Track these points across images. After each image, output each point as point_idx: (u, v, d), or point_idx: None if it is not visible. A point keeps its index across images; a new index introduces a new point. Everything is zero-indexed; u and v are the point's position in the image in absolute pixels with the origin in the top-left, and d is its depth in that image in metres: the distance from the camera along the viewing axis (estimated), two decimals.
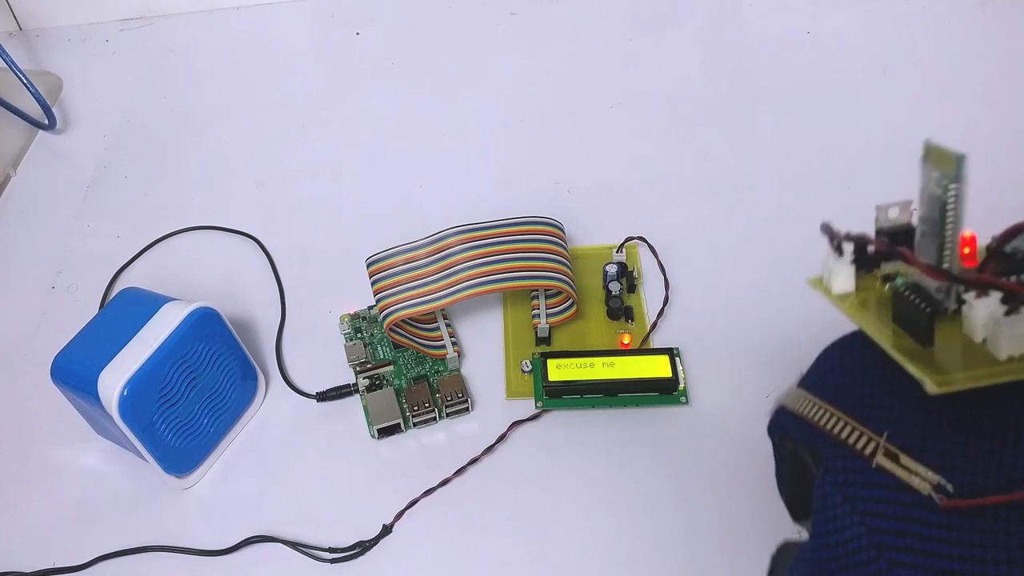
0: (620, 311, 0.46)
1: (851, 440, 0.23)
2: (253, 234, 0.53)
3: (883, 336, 0.24)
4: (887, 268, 0.25)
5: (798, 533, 0.30)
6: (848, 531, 0.23)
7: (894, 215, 0.25)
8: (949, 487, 0.21)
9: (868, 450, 0.23)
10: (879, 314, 0.25)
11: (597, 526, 0.39)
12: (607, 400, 0.43)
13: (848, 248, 0.25)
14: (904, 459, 0.22)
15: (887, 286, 0.25)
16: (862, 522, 0.22)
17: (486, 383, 0.45)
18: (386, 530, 0.40)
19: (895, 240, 0.25)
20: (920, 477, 0.22)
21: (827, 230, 0.25)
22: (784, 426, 0.27)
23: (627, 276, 0.47)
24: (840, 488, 0.23)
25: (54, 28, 0.70)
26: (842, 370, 0.26)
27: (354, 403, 0.44)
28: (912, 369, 0.22)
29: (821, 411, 0.25)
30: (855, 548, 0.22)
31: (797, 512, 0.29)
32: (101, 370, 0.37)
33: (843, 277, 0.25)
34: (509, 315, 0.47)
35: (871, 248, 0.25)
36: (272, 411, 0.45)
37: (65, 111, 0.63)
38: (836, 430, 0.24)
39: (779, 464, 0.29)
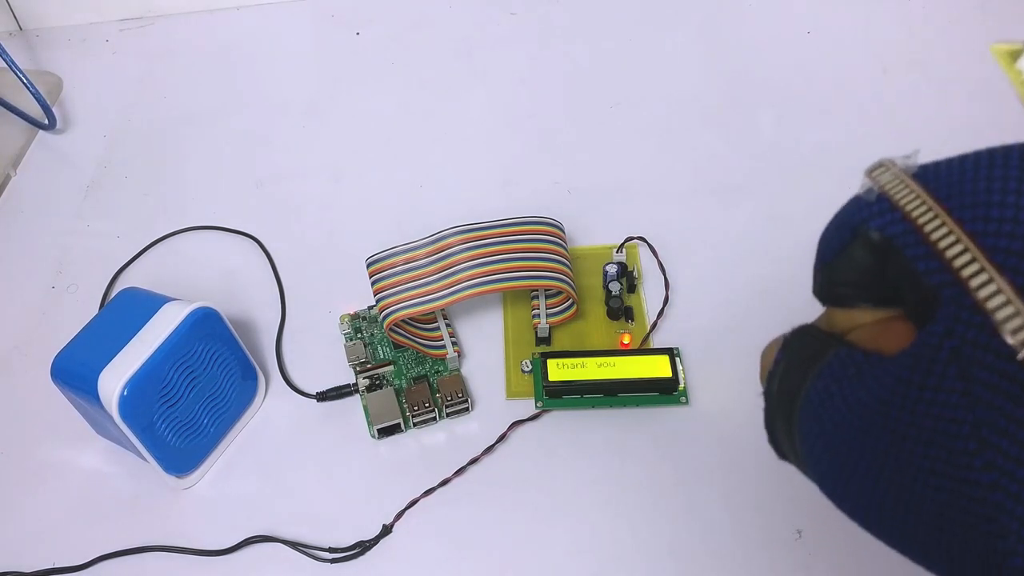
0: (620, 311, 0.46)
1: (999, 313, 0.17)
2: (253, 234, 0.53)
3: None
4: None
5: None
6: (950, 408, 0.18)
7: None
8: None
9: (1020, 336, 0.17)
10: None
11: (597, 526, 0.39)
12: (607, 400, 0.43)
13: None
14: None
15: None
16: (972, 408, 0.18)
17: (486, 383, 0.45)
18: (386, 530, 0.40)
19: None
20: None
21: None
22: (890, 229, 0.20)
23: (627, 276, 0.47)
24: (958, 359, 0.18)
25: (54, 28, 0.70)
26: (1003, 192, 0.19)
27: (354, 403, 0.44)
28: None
29: (958, 246, 0.18)
30: (951, 429, 0.18)
31: (831, 295, 0.23)
32: (101, 370, 0.37)
33: None
34: (509, 315, 0.47)
35: None
36: (272, 411, 0.45)
37: (65, 111, 0.63)
38: (979, 286, 0.18)
39: (838, 237, 0.22)
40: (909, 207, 0.20)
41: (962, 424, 0.18)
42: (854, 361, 0.21)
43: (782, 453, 0.24)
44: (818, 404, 0.21)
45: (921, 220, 0.19)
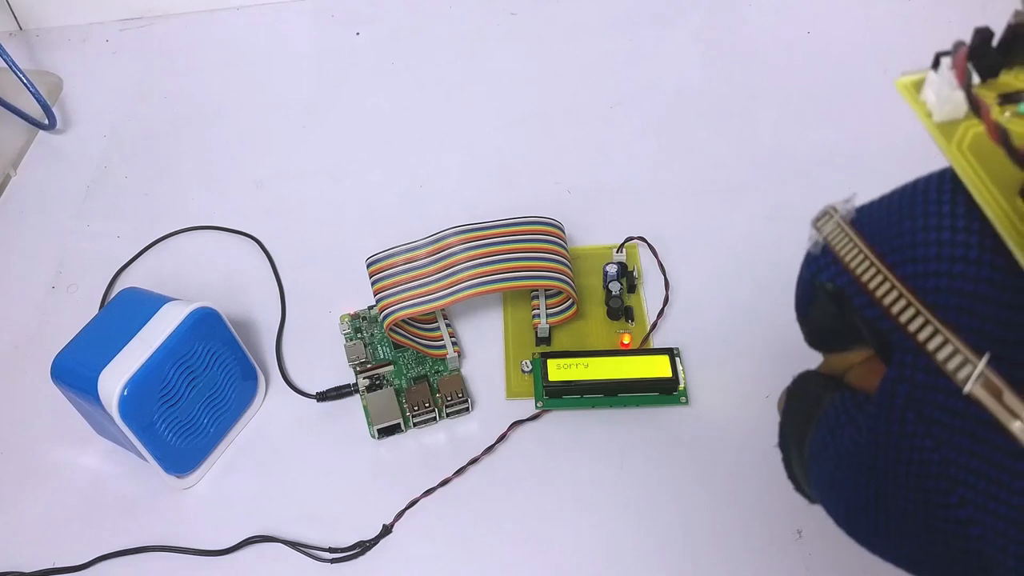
0: (620, 311, 0.46)
1: (939, 354, 0.18)
2: (253, 234, 0.53)
3: (993, 205, 0.17)
4: (1008, 78, 0.19)
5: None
6: (917, 451, 0.19)
7: None
8: None
9: (961, 374, 0.17)
10: (990, 165, 0.18)
11: (597, 526, 0.39)
12: (607, 400, 0.43)
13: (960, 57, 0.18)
14: (1008, 397, 0.17)
15: (1007, 112, 0.18)
16: (936, 448, 0.18)
17: (486, 383, 0.45)
18: (386, 530, 0.40)
19: None
20: None
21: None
22: (836, 279, 0.21)
23: (627, 276, 0.47)
24: (913, 404, 0.18)
25: (54, 28, 0.70)
26: (925, 230, 0.18)
27: (354, 403, 0.44)
28: None
29: (893, 293, 0.19)
30: (922, 471, 0.18)
31: (819, 343, 0.24)
32: (101, 370, 0.37)
33: (947, 94, 0.18)
34: (509, 315, 0.47)
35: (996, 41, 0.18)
36: (272, 411, 0.45)
37: (65, 111, 0.63)
38: (917, 330, 0.18)
39: (804, 293, 0.23)
40: (847, 258, 0.20)
41: (930, 465, 0.18)
42: (845, 407, 0.21)
43: (808, 498, 0.25)
44: (819, 453, 0.22)
45: (859, 271, 0.20)
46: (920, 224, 0.19)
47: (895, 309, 0.19)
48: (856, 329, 0.21)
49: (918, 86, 0.20)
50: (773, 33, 0.62)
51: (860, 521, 0.21)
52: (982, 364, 0.17)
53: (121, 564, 0.40)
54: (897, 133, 0.54)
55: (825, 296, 0.21)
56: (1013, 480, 0.17)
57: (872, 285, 0.19)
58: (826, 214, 0.22)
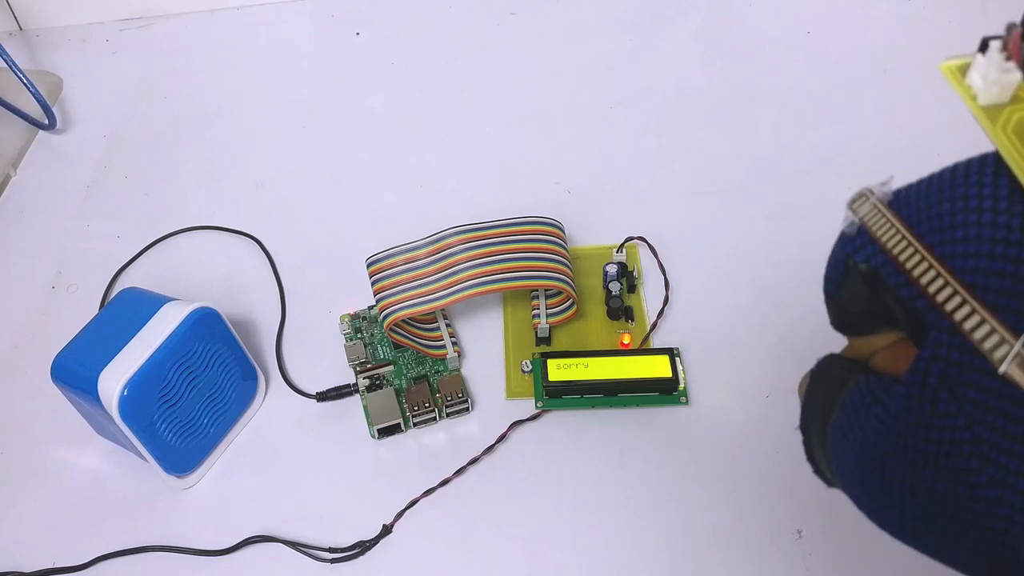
0: (620, 311, 0.46)
1: (975, 333, 0.18)
2: (253, 234, 0.53)
3: None
4: None
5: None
6: (948, 430, 0.19)
7: None
8: None
9: (998, 353, 0.18)
10: None
11: (597, 526, 0.39)
12: (607, 400, 0.43)
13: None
14: None
15: None
16: (968, 427, 0.18)
17: (486, 383, 0.45)
18: (386, 530, 0.40)
19: None
20: None
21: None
22: (871, 259, 0.21)
23: (627, 276, 0.47)
24: (947, 383, 0.19)
25: (54, 28, 0.70)
26: (965, 212, 0.19)
27: (354, 403, 0.44)
28: None
29: (931, 273, 0.19)
30: (953, 449, 0.19)
31: (846, 326, 0.24)
32: (101, 370, 0.37)
33: (994, 77, 0.19)
34: (509, 315, 0.47)
35: None
36: (272, 411, 0.45)
37: (65, 111, 0.63)
38: (954, 310, 0.18)
39: (836, 273, 0.23)
40: (884, 238, 0.20)
41: (962, 444, 0.19)
42: (870, 389, 0.22)
43: (827, 481, 0.25)
44: (842, 434, 0.22)
45: (896, 250, 0.20)
46: (960, 206, 0.19)
47: (932, 288, 0.19)
48: (885, 312, 0.22)
49: (963, 70, 0.20)
50: (773, 33, 0.62)
51: (884, 501, 0.21)
52: (1019, 344, 0.17)
53: (121, 564, 0.40)
54: (897, 133, 0.54)
55: (858, 277, 0.22)
56: None
57: (909, 264, 0.20)
58: (862, 196, 0.22)
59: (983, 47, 0.20)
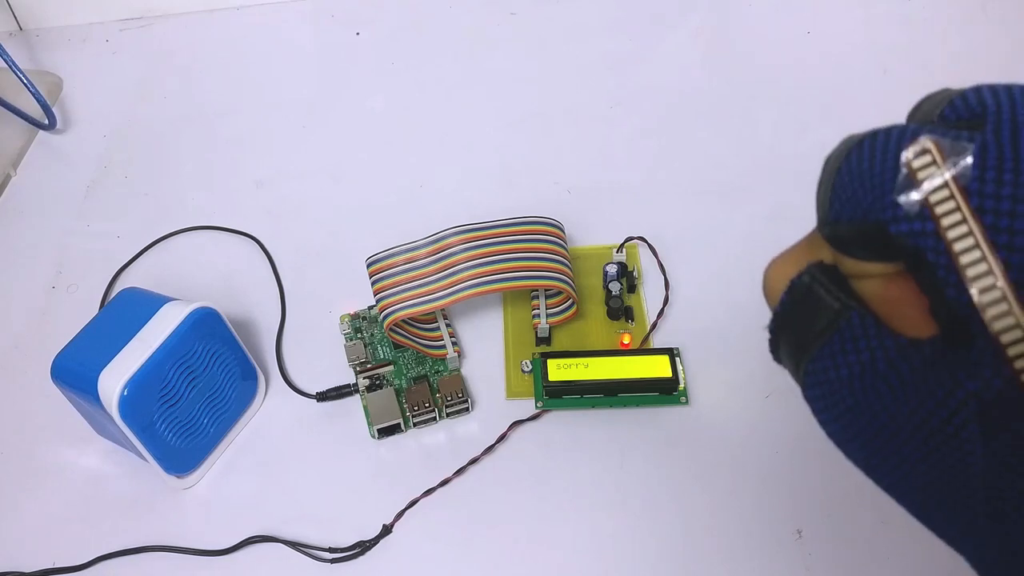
0: (620, 311, 0.46)
1: (1004, 337, 0.15)
2: (253, 234, 0.53)
3: None
4: None
5: None
6: (959, 452, 0.17)
7: None
8: None
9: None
10: None
11: (597, 526, 0.39)
12: (607, 400, 0.43)
13: None
14: None
15: None
16: (984, 455, 0.16)
17: (486, 383, 0.45)
18: (386, 530, 0.40)
19: None
20: None
21: None
22: (923, 242, 0.17)
23: (627, 276, 0.47)
24: (982, 418, 0.16)
25: (54, 28, 0.70)
26: None
27: (354, 403, 0.44)
28: None
29: (1001, 305, 0.16)
30: (957, 463, 0.17)
31: (839, 248, 0.20)
32: (101, 370, 0.37)
33: None
34: (509, 315, 0.47)
35: None
36: (272, 411, 0.45)
37: (65, 111, 0.63)
38: (1009, 343, 0.15)
39: (856, 212, 0.19)
40: (951, 235, 0.16)
41: (971, 465, 0.17)
42: (867, 338, 0.19)
43: (780, 362, 0.22)
44: (824, 373, 0.20)
45: (963, 261, 0.16)
46: None
47: (998, 326, 0.16)
48: (893, 251, 0.18)
49: None
50: (773, 33, 0.62)
51: (862, 450, 0.19)
52: None
53: (121, 564, 0.40)
54: None
55: (887, 238, 0.18)
56: None
57: (972, 273, 0.16)
58: (928, 155, 0.17)
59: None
